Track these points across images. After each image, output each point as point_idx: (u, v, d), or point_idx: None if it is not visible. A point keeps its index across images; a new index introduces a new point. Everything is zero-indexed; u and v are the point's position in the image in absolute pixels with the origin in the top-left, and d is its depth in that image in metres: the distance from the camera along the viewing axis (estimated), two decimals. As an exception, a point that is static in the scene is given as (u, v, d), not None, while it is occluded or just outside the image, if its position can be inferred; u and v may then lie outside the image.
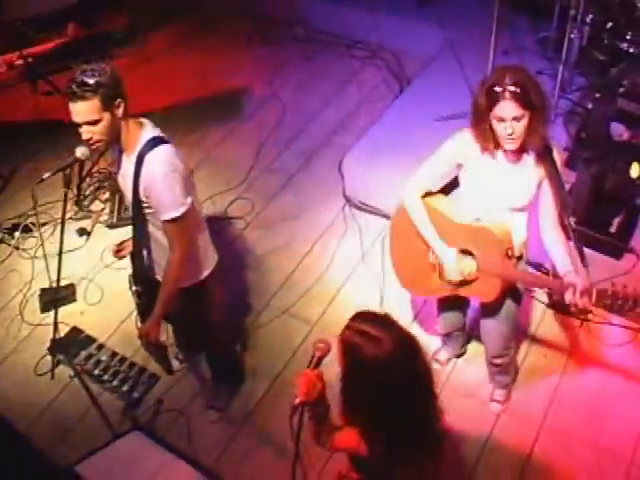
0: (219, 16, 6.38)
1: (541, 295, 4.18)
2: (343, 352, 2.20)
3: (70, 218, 4.88)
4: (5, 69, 4.37)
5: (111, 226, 4.82)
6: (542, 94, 2.69)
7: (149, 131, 2.92)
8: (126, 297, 4.33)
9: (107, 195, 4.98)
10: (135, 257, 3.19)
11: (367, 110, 5.47)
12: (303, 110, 5.54)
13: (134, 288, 3.26)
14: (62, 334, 4.18)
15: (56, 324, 3.29)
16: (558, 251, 2.92)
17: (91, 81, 2.67)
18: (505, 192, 2.93)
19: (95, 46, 4.54)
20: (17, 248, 4.76)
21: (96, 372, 4.07)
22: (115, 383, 4.01)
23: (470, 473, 3.50)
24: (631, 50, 4.10)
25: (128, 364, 4.12)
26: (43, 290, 4.48)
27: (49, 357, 4.17)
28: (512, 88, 2.60)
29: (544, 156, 2.83)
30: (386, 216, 4.69)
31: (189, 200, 2.90)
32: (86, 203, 4.97)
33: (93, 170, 5.06)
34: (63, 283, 4.51)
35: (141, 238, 3.11)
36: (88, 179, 5.05)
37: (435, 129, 4.81)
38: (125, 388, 3.98)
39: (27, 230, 4.84)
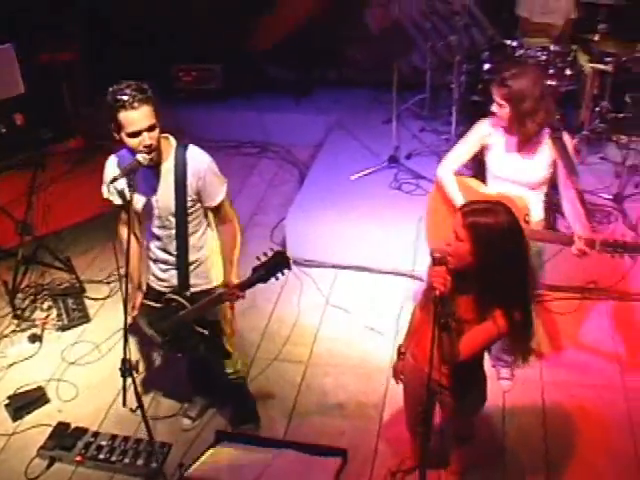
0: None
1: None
2: (470, 237, 2.74)
3: (13, 331, 5.01)
4: None
5: (63, 328, 4.99)
6: None
7: (172, 137, 3.45)
8: (107, 383, 4.57)
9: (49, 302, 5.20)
10: (180, 266, 3.59)
11: (276, 192, 6.28)
12: (216, 203, 6.18)
13: (185, 294, 3.61)
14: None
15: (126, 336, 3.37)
16: (570, 209, 3.78)
17: (145, 88, 3.15)
18: (522, 171, 3.82)
19: (30, 145, 4.88)
20: (-40, 371, 4.74)
21: (102, 456, 4.08)
22: (127, 461, 4.03)
23: (502, 444, 4.05)
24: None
25: (134, 441, 4.16)
26: (10, 397, 4.46)
27: (38, 460, 4.16)
28: None
29: (555, 140, 3.75)
30: (334, 266, 5.42)
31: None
32: (27, 314, 5.12)
33: (22, 286, 5.28)
34: (28, 388, 4.60)
35: (184, 246, 3.54)
36: (20, 294, 5.23)
37: (353, 185, 5.79)
38: (140, 462, 4.01)
39: (-35, 354, 4.85)
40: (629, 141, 5.56)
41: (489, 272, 2.81)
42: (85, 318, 5.08)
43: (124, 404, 3.35)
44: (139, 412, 4.28)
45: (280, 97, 7.09)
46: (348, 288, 5.29)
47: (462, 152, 3.96)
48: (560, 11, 5.89)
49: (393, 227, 5.31)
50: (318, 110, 6.95)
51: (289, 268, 3.34)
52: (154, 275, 3.76)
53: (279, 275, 3.34)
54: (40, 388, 4.57)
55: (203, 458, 3.10)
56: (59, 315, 5.07)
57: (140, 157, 3.21)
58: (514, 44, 5.48)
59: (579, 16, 5.88)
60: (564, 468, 3.89)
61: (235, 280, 3.57)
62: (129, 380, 3.27)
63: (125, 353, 3.40)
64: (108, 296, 5.26)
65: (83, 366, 4.72)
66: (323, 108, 6.98)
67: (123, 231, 3.73)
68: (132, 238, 3.65)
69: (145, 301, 3.78)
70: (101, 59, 6.67)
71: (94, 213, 5.87)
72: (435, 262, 2.83)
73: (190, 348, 3.84)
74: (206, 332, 3.67)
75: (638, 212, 5.22)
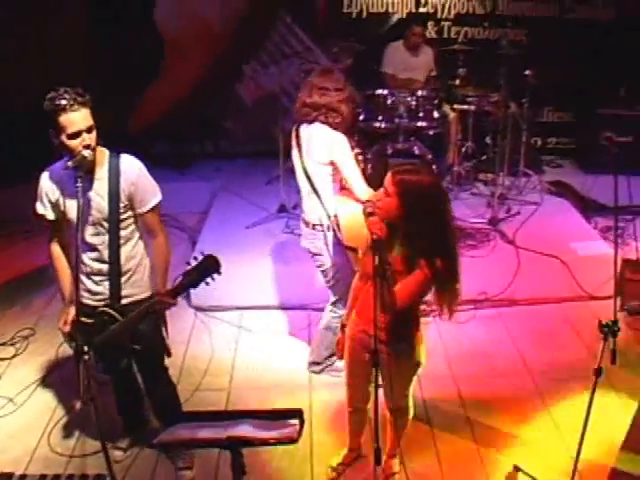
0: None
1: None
2: (397, 192, 3.29)
3: None
4: None
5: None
6: None
7: (104, 148, 3.74)
8: (29, 430, 4.68)
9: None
10: (112, 275, 3.82)
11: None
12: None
13: (117, 306, 3.83)
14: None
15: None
16: None
17: (82, 92, 3.49)
18: None
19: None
20: None
21: (33, 496, 4.17)
22: (61, 497, 4.16)
23: (431, 433, 4.52)
24: (383, 126, 6.24)
25: (66, 477, 4.26)
26: None
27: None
28: None
29: None
30: (238, 308, 5.85)
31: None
32: None
33: None
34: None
35: (116, 253, 3.78)
36: None
37: (247, 234, 6.36)
38: (75, 497, 4.16)
39: None
40: (494, 177, 6.50)
41: (414, 224, 3.35)
42: (-7, 377, 5.16)
43: (81, 394, 3.50)
44: (66, 451, 4.54)
45: (162, 169, 7.60)
46: (255, 324, 5.74)
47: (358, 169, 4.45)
48: (421, 68, 6.94)
49: (289, 266, 5.88)
50: (201, 179, 7.59)
51: (219, 272, 3.60)
52: (87, 290, 3.89)
53: (209, 280, 3.59)
54: (-46, 443, 4.59)
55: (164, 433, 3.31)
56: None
57: (85, 152, 3.49)
58: (385, 92, 6.34)
59: (440, 72, 6.94)
60: (493, 442, 4.42)
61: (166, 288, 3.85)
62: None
63: (77, 338, 3.59)
64: (15, 355, 5.38)
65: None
66: (205, 177, 7.64)
67: (55, 247, 3.92)
68: (62, 253, 3.92)
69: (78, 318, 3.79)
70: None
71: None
72: (367, 215, 3.39)
73: (121, 366, 4.07)
74: (138, 347, 3.85)
75: (511, 231, 6.11)
